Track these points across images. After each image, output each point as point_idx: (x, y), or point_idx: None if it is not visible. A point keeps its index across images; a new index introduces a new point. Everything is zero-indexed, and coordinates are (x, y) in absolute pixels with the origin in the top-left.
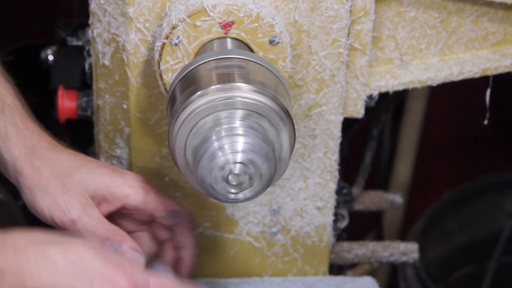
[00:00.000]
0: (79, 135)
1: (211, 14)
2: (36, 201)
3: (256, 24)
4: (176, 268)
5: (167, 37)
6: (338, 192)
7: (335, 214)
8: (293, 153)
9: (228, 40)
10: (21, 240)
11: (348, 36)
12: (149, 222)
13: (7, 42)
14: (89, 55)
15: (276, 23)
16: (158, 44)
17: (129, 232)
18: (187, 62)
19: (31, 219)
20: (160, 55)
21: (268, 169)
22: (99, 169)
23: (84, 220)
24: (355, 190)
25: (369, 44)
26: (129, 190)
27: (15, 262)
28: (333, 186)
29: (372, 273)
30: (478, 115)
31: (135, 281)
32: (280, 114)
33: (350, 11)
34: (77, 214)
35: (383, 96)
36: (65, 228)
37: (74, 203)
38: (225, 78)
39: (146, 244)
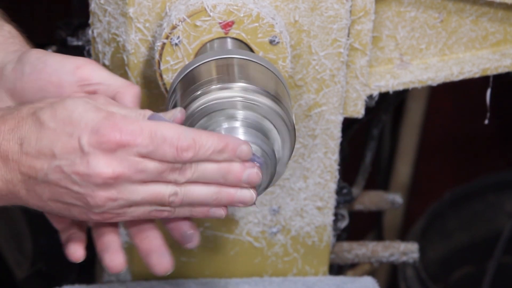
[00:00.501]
0: None
1: (211, 14)
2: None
3: (256, 24)
4: None
5: (167, 37)
6: (338, 192)
7: (335, 214)
8: (293, 153)
9: (228, 40)
10: (24, 110)
11: (348, 36)
12: None
13: None
14: (89, 55)
15: (276, 23)
16: (158, 44)
17: None
18: (187, 62)
19: (31, 219)
20: (160, 55)
21: (268, 170)
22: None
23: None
24: (355, 190)
25: (369, 44)
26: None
27: (20, 132)
28: (333, 186)
29: (372, 273)
30: (478, 115)
31: (125, 132)
32: (280, 115)
33: (350, 11)
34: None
35: (383, 96)
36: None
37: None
38: (225, 78)
39: None
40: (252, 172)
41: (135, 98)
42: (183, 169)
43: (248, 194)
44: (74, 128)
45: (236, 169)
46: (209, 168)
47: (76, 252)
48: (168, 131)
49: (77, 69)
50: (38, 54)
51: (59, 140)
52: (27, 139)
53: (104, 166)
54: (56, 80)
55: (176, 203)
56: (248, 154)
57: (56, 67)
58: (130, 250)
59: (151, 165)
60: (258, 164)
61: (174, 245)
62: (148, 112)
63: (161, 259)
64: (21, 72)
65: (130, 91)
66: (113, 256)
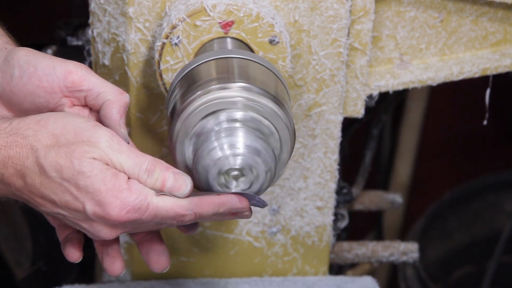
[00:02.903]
0: None
1: (211, 14)
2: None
3: (256, 24)
4: None
5: (167, 37)
6: (338, 192)
7: (335, 214)
8: (293, 153)
9: (228, 40)
10: (21, 133)
11: (348, 36)
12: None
13: None
14: (89, 54)
15: (276, 23)
16: (158, 44)
17: None
18: (187, 62)
19: (31, 219)
20: (160, 55)
21: (268, 169)
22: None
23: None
24: (355, 190)
25: (369, 44)
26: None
27: (21, 165)
28: (333, 186)
29: (372, 273)
30: (478, 115)
31: (131, 211)
32: (280, 115)
33: (350, 11)
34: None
35: (383, 96)
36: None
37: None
38: (225, 78)
39: None
40: (245, 215)
41: (123, 108)
42: (185, 217)
43: (244, 215)
44: (79, 192)
45: (232, 209)
46: (209, 213)
47: (74, 253)
48: (171, 208)
49: (69, 74)
50: (27, 56)
51: (63, 197)
52: (31, 180)
53: (107, 233)
54: (47, 85)
55: (185, 222)
56: (245, 209)
57: (47, 71)
58: (130, 250)
59: (163, 226)
60: (261, 205)
61: (175, 245)
62: (157, 168)
63: (160, 257)
64: (10, 75)
65: (120, 100)
66: (113, 260)
